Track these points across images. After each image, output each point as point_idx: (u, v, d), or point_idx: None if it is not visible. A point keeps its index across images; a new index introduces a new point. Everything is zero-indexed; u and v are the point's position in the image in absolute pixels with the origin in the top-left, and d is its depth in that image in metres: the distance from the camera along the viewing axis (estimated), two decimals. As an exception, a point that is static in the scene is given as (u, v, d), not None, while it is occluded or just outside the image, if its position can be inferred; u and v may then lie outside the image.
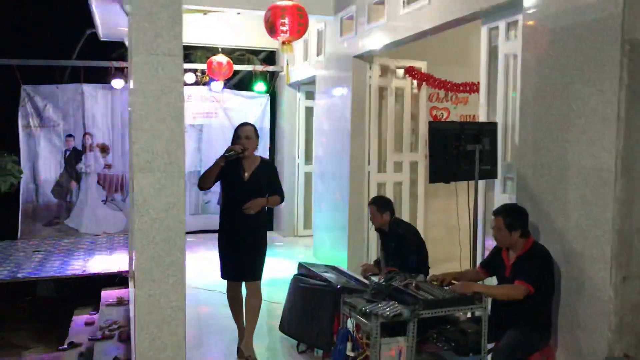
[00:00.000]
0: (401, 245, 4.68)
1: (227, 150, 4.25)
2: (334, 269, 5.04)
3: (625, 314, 3.28)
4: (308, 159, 9.78)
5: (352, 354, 3.40)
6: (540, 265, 3.50)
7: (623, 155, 3.25)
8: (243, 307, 4.54)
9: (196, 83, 9.89)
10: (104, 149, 9.87)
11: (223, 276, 4.52)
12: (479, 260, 4.53)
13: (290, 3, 5.22)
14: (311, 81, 8.82)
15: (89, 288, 7.23)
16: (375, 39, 6.37)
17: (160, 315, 2.69)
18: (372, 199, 5.11)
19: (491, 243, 3.93)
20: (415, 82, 7.23)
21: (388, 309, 3.19)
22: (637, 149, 3.26)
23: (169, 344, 2.69)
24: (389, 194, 7.13)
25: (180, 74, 2.62)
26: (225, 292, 4.60)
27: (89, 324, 6.10)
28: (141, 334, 2.66)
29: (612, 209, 3.28)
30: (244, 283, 4.51)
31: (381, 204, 4.89)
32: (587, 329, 3.45)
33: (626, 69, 3.21)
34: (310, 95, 9.63)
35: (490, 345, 3.48)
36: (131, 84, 2.62)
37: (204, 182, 4.38)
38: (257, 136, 4.44)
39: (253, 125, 4.47)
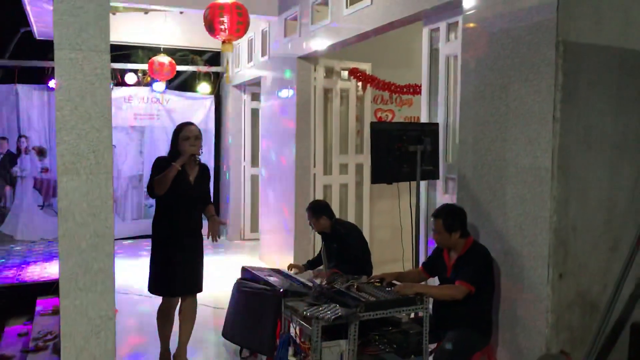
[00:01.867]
0: (344, 245, 4.66)
1: (191, 155, 4.01)
2: (278, 272, 4.95)
3: (562, 311, 3.34)
4: (254, 161, 9.66)
5: (294, 359, 3.32)
6: (480, 265, 3.53)
7: (559, 154, 3.30)
8: (172, 324, 4.27)
9: (138, 84, 9.63)
10: (41, 152, 9.48)
11: (160, 291, 4.15)
12: (421, 261, 4.55)
13: (229, 1, 5.12)
14: (256, 82, 8.73)
15: (22, 298, 6.89)
16: (319, 40, 6.34)
17: (89, 325, 2.54)
18: (309, 205, 5.07)
19: (433, 244, 3.94)
20: (360, 83, 7.24)
21: (329, 312, 3.14)
22: (572, 149, 3.33)
23: (97, 355, 2.55)
24: (335, 195, 7.12)
25: (107, 70, 2.49)
26: (159, 307, 4.25)
27: (22, 334, 5.81)
28: (67, 346, 2.50)
29: (549, 207, 3.33)
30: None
31: (316, 209, 4.88)
32: (525, 326, 3.49)
33: (561, 69, 3.27)
34: (256, 97, 9.52)
35: (432, 346, 3.47)
36: (55, 82, 2.46)
37: (159, 188, 3.96)
38: None
39: None
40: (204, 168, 4.29)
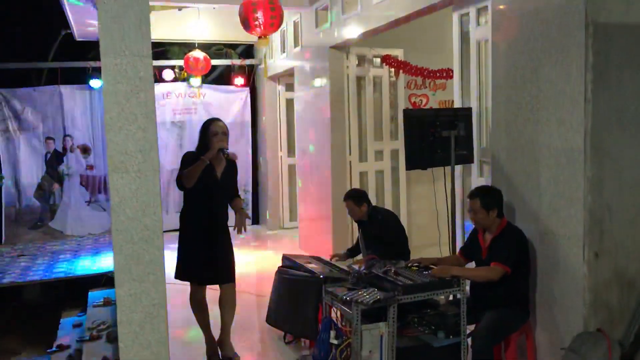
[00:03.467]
0: (381, 232, 4.75)
1: (219, 150, 4.11)
2: (317, 259, 5.09)
3: (599, 290, 3.37)
4: (291, 151, 9.80)
5: (335, 342, 3.45)
6: (515, 246, 3.58)
7: (592, 135, 3.32)
8: (207, 312, 4.41)
9: (175, 80, 9.86)
10: (85, 150, 9.82)
11: (189, 278, 4.31)
12: (458, 244, 4.61)
13: (261, -3, 5.22)
14: (290, 73, 8.83)
15: (75, 290, 7.21)
16: (350, 29, 6.40)
17: (142, 313, 2.72)
18: (347, 194, 5.14)
19: (469, 227, 4.00)
20: (392, 70, 7.27)
21: (368, 296, 3.25)
22: (605, 129, 3.34)
23: (152, 341, 2.73)
24: (371, 182, 7.20)
25: (150, 73, 2.64)
26: (189, 296, 4.37)
27: (76, 325, 6.10)
28: (123, 332, 2.69)
29: (583, 187, 3.36)
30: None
31: (357, 197, 4.96)
32: (562, 305, 3.54)
33: (591, 50, 3.28)
34: (290, 87, 9.62)
35: (470, 327, 3.55)
36: (103, 87, 2.63)
37: (188, 181, 4.09)
38: None
39: None
40: (231, 163, 4.38)
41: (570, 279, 3.47)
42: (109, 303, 6.21)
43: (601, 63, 3.29)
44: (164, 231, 2.82)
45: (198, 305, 4.39)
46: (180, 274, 4.33)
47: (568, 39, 3.40)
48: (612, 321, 3.38)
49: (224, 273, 4.33)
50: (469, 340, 3.52)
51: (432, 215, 6.80)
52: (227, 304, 4.39)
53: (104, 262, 7.52)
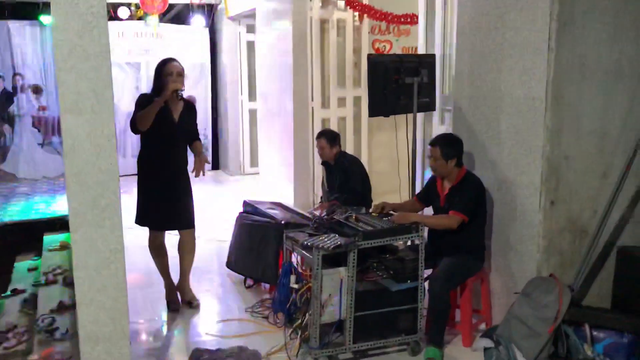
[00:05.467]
0: (346, 178, 4.76)
1: (174, 91, 3.95)
2: (279, 205, 5.08)
3: (553, 237, 3.47)
4: (252, 96, 9.62)
5: (295, 286, 3.48)
6: (474, 196, 3.63)
7: (553, 84, 3.34)
8: (166, 257, 4.39)
9: (130, 18, 9.46)
10: (37, 90, 9.45)
11: (148, 224, 4.24)
12: (417, 190, 4.66)
13: None
14: (252, 14, 8.57)
15: (30, 234, 7.06)
16: (314, -30, 6.21)
17: (99, 258, 2.66)
18: (321, 132, 5.14)
19: (429, 174, 4.03)
20: (357, 14, 7.12)
21: (329, 241, 3.26)
22: (566, 78, 3.35)
23: (109, 285, 2.69)
24: (333, 129, 7.14)
25: (103, 8, 2.49)
26: (148, 241, 4.32)
27: (31, 269, 6.00)
28: (80, 276, 2.64)
29: (543, 137, 3.40)
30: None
31: (331, 137, 4.95)
32: (518, 252, 3.63)
33: (557, -1, 3.26)
34: (251, 29, 9.37)
35: (427, 272, 3.63)
36: (52, 21, 2.47)
37: (141, 124, 3.96)
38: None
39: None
40: (190, 105, 4.26)
41: (526, 226, 3.56)
42: (65, 247, 6.10)
43: (566, 11, 3.28)
44: (121, 175, 2.74)
45: (157, 250, 4.35)
46: (139, 220, 4.26)
47: (535, -14, 3.37)
48: (563, 266, 3.49)
49: (183, 219, 4.28)
50: (426, 284, 3.59)
51: (393, 162, 6.85)
52: (187, 249, 4.37)
53: (59, 206, 7.36)
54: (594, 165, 3.50)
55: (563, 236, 3.51)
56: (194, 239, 4.40)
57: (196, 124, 4.39)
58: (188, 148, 4.29)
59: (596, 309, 3.37)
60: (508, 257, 3.73)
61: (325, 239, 3.29)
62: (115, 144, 2.56)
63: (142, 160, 4.21)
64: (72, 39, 2.45)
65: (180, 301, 4.43)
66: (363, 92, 7.26)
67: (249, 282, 4.78)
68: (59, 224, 6.90)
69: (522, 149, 3.56)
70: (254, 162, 9.82)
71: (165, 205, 4.17)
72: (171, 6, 9.50)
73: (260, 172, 8.69)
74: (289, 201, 6.55)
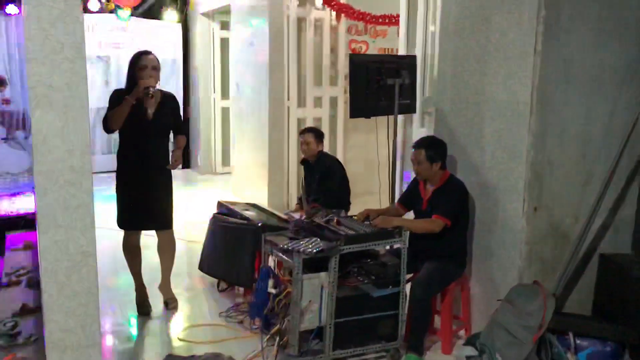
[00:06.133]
0: (326, 177, 4.70)
1: (144, 89, 3.75)
2: (254, 206, 4.96)
3: (535, 243, 3.43)
4: (225, 93, 9.45)
5: (273, 291, 3.37)
6: (457, 200, 3.58)
7: (539, 88, 3.30)
8: (140, 258, 4.25)
9: (101, 11, 9.20)
10: (1, 83, 9.09)
11: (124, 225, 4.08)
12: (397, 194, 4.60)
13: None
14: (226, 10, 8.41)
15: (-8, 232, 6.78)
16: (292, -33, 6.10)
17: (69, 261, 2.51)
18: (308, 127, 5.09)
19: (409, 177, 3.97)
20: (334, 13, 7.04)
21: (310, 246, 3.16)
22: (552, 83, 3.32)
23: (79, 290, 2.54)
24: (309, 128, 7.06)
25: (78, -3, 2.35)
26: (123, 241, 4.15)
27: (-7, 270, 5.76)
28: (48, 282, 2.48)
29: (527, 141, 3.36)
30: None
31: (318, 133, 4.93)
32: (499, 258, 3.59)
33: (543, 1, 3.21)
34: (225, 26, 9.20)
35: (408, 277, 3.55)
36: (23, 10, 2.31)
37: (113, 124, 3.81)
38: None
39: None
40: (168, 98, 4.07)
41: (508, 231, 3.51)
42: (30, 247, 5.87)
43: (552, 15, 3.24)
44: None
45: (132, 251, 4.17)
46: (120, 222, 4.08)
47: (522, -12, 3.32)
48: (545, 273, 3.46)
49: (162, 218, 4.14)
50: (408, 289, 3.52)
51: (368, 164, 6.81)
52: (167, 249, 4.24)
53: (23, 204, 7.07)
54: (576, 171, 3.48)
55: (545, 242, 3.47)
56: (173, 239, 4.27)
57: (179, 117, 4.23)
58: (172, 142, 4.14)
59: (579, 317, 3.34)
60: (489, 263, 3.68)
61: (307, 243, 3.19)
62: (89, 140, 2.41)
63: (118, 157, 4.05)
64: (45, 28, 2.30)
65: (163, 301, 4.31)
66: (339, 92, 7.18)
67: (223, 285, 4.64)
68: (23, 222, 6.65)
69: (506, 153, 3.51)
70: (225, 161, 9.65)
71: (142, 204, 4.00)
72: (143, 0, 9.27)
73: (232, 171, 8.53)
74: (263, 202, 6.41)
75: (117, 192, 4.06)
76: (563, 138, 3.42)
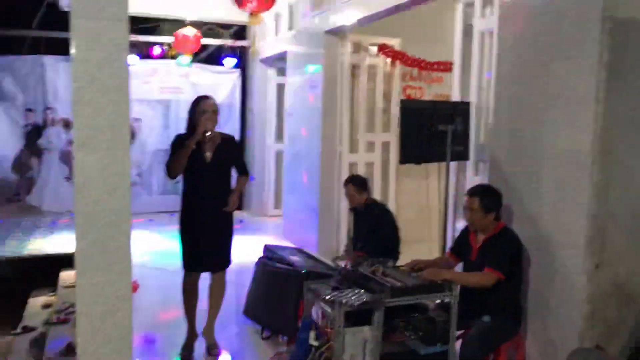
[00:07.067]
0: (375, 227, 4.54)
1: (203, 132, 3.82)
2: (301, 252, 4.87)
3: (597, 303, 3.18)
4: (279, 137, 9.54)
5: (315, 343, 3.23)
6: (510, 252, 3.38)
7: (601, 137, 3.11)
8: (197, 299, 4.19)
9: (163, 57, 9.54)
10: (67, 124, 9.47)
11: (186, 266, 4.08)
12: (449, 241, 4.41)
13: (257, -28, 4.95)
14: (282, 57, 8.55)
15: (48, 269, 6.93)
16: (347, 14, 6.14)
17: (105, 305, 2.47)
18: (349, 178, 4.96)
19: (461, 225, 3.80)
20: (388, 60, 7.03)
21: (354, 297, 3.02)
22: (616, 131, 3.13)
23: (114, 336, 2.48)
24: (361, 174, 6.97)
25: (126, 41, 2.37)
26: (182, 282, 4.14)
27: (46, 306, 5.84)
28: (82, 324, 2.44)
29: (588, 193, 3.15)
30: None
31: (359, 183, 4.77)
32: (558, 317, 3.34)
33: (607, 47, 3.06)
34: (282, 72, 9.34)
35: (458, 334, 3.35)
36: (71, 52, 2.35)
37: (175, 171, 3.90)
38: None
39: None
40: (227, 140, 4.08)
41: (567, 289, 3.27)
42: (81, 285, 5.94)
43: (617, 61, 3.08)
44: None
45: (190, 292, 4.14)
46: (185, 264, 4.08)
47: (582, 34, 3.18)
48: (609, 336, 3.19)
49: (220, 260, 4.12)
50: (457, 347, 3.31)
51: (420, 210, 6.63)
52: (218, 292, 4.20)
53: (79, 242, 7.23)
54: (642, 226, 3.23)
55: (608, 302, 3.21)
56: (225, 281, 4.22)
57: (240, 157, 4.29)
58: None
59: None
60: (546, 322, 3.43)
61: (350, 294, 3.05)
62: (129, 183, 2.40)
63: (183, 199, 4.10)
64: (92, 71, 2.32)
65: (206, 346, 4.21)
66: (392, 137, 7.10)
67: (267, 332, 4.52)
68: (77, 260, 6.77)
69: (566, 205, 3.31)
70: (277, 204, 9.65)
71: (204, 245, 4.01)
72: (204, 47, 9.55)
73: (283, 214, 8.50)
74: (312, 247, 6.32)
75: (180, 233, 4.09)
76: (628, 190, 3.21)
